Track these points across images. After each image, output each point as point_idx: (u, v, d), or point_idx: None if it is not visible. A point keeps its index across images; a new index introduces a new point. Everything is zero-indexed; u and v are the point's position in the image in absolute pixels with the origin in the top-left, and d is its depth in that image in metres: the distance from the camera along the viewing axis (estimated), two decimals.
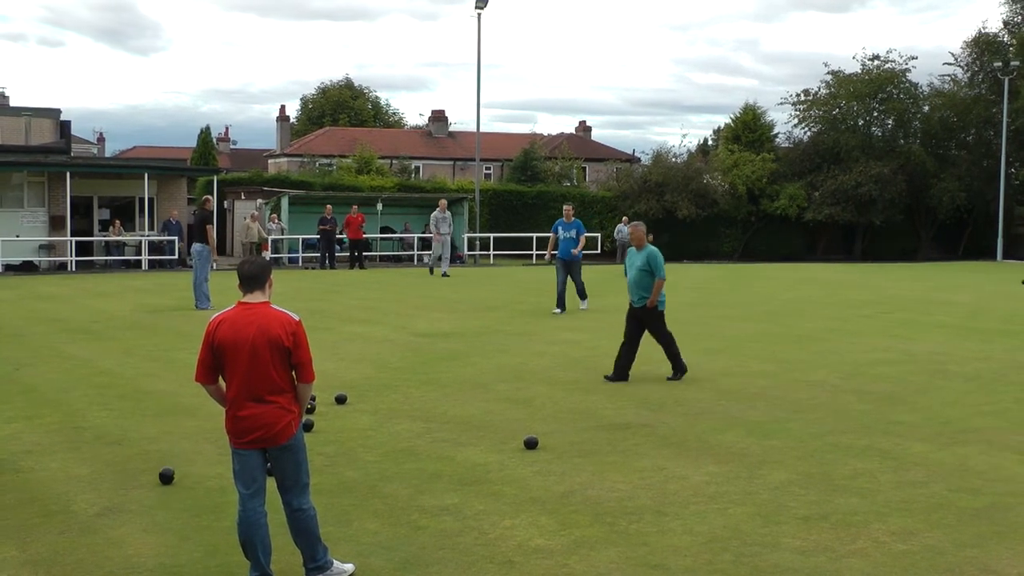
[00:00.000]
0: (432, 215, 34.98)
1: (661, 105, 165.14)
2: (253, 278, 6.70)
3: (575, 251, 22.68)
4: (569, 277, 22.88)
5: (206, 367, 6.69)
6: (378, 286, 30.56)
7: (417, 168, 66.82)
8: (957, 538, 7.63)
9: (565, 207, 23.83)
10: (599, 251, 49.04)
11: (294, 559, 6.91)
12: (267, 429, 6.57)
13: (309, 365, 6.71)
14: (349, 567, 6.94)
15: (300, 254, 42.62)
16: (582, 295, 23.22)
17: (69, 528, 7.83)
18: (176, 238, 39.44)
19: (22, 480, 9.18)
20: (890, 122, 58.01)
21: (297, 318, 6.71)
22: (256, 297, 6.69)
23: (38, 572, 6.93)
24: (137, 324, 20.23)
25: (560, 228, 23.02)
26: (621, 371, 14.22)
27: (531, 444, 10.30)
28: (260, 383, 6.55)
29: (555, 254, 23.24)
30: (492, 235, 47.58)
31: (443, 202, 35.71)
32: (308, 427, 10.90)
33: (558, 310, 22.45)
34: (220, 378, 6.73)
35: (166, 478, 8.88)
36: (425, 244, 46.01)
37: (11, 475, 9.33)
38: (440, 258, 34.37)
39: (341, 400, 12.32)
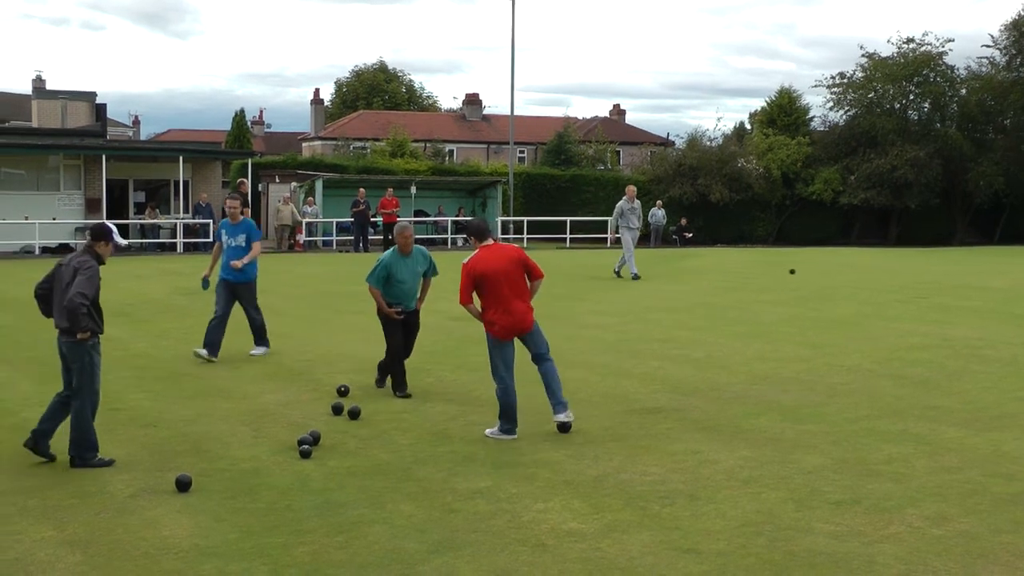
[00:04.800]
0: (618, 205, 27.62)
1: (697, 89, 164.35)
2: (484, 231, 10.44)
3: (239, 263, 14.56)
4: (241, 306, 14.81)
5: (467, 292, 10.25)
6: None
7: (451, 151, 66.80)
8: (992, 524, 7.59)
9: (229, 200, 15.42)
10: None
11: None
12: (524, 323, 10.29)
13: (537, 267, 10.49)
14: (563, 416, 10.39)
15: (334, 237, 42.75)
16: (258, 336, 14.98)
17: (105, 508, 7.91)
18: (209, 221, 39.57)
19: (59, 461, 9.26)
20: (926, 105, 57.41)
21: (518, 247, 10.70)
22: (489, 241, 10.40)
23: (75, 552, 7.00)
24: (172, 306, 20.35)
25: (224, 233, 14.91)
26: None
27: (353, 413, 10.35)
28: (518, 290, 10.24)
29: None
30: (526, 219, 47.52)
31: (631, 189, 28.16)
32: (355, 414, 10.84)
33: (204, 351, 14.30)
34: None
35: (183, 485, 8.38)
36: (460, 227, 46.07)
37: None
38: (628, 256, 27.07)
39: (354, 414, 10.97)
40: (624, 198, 27.36)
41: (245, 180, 24.78)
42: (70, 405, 9.22)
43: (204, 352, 14.24)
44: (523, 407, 11.45)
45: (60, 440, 9.29)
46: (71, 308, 8.85)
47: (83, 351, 9.07)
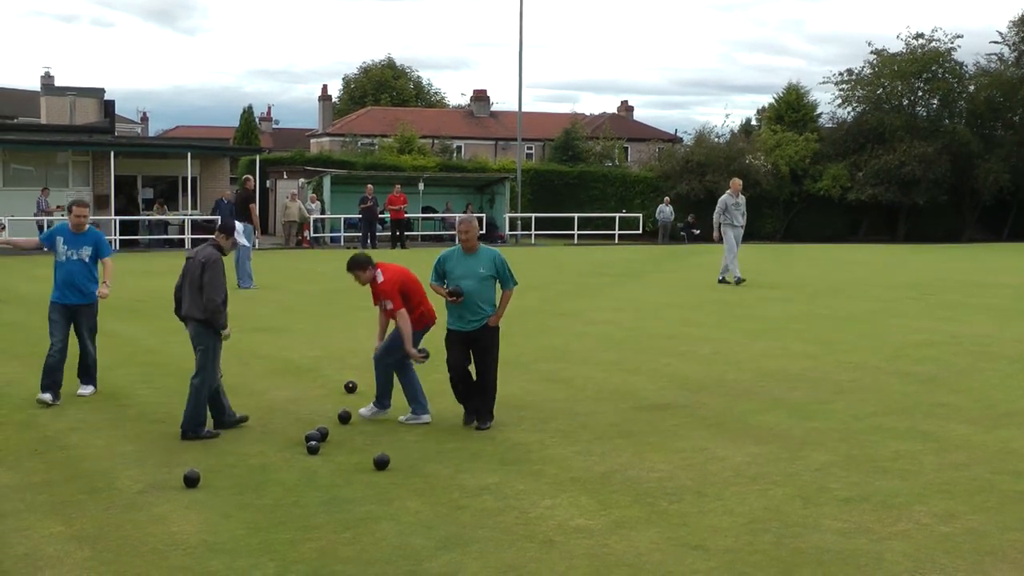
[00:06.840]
0: (721, 199, 24.72)
1: (705, 85, 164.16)
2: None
3: (106, 290, 11.84)
4: (75, 335, 11.88)
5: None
6: (419, 265, 30.58)
7: (459, 148, 66.84)
8: (1000, 521, 7.58)
9: (77, 207, 11.78)
10: (640, 231, 48.85)
11: None
12: None
13: None
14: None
15: (342, 233, 42.76)
16: (90, 372, 12.13)
17: (114, 504, 7.93)
18: (219, 217, 39.55)
19: (68, 457, 9.29)
20: (935, 102, 57.33)
21: None
22: None
23: (83, 547, 7.01)
24: None
25: (61, 242, 11.62)
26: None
27: (381, 464, 8.91)
28: None
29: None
30: (533, 215, 47.53)
31: (737, 182, 25.20)
32: (345, 418, 10.69)
33: (48, 396, 11.38)
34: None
35: (191, 481, 8.33)
36: None
37: (57, 452, 9.44)
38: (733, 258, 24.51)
39: (344, 419, 10.63)
40: (728, 191, 24.71)
41: (251, 177, 24.75)
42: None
43: (48, 397, 11.40)
44: (526, 403, 11.47)
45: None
46: (212, 310, 9.98)
47: (209, 335, 10.13)
